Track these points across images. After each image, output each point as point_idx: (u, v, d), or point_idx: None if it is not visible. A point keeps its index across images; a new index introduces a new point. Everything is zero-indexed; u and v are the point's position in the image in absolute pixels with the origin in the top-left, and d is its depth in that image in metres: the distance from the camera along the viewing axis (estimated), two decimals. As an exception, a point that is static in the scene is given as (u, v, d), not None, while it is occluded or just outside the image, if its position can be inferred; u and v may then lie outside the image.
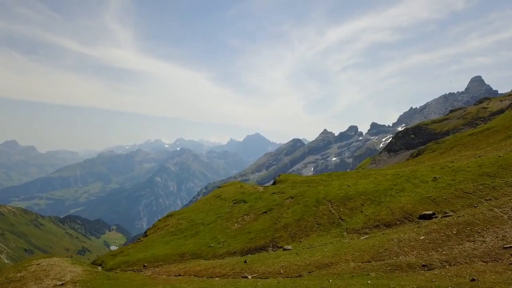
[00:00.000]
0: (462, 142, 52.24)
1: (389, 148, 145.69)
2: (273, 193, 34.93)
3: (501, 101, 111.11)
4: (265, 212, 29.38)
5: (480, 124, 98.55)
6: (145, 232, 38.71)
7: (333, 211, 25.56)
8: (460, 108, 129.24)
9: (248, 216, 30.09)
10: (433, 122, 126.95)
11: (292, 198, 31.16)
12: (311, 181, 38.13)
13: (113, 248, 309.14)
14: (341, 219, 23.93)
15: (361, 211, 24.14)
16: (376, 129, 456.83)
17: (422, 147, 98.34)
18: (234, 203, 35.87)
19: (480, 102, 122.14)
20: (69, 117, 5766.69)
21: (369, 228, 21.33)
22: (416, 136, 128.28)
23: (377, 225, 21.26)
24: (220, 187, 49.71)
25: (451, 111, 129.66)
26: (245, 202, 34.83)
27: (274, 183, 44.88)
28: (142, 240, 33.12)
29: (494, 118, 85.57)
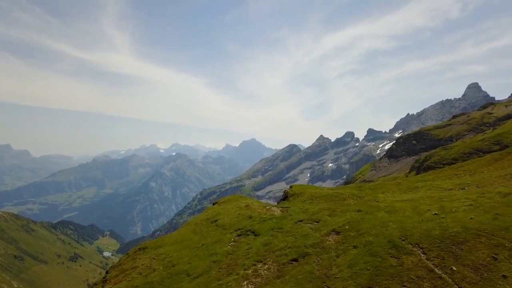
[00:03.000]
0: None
1: (389, 154, 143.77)
2: (300, 220, 22.62)
3: (506, 106, 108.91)
4: (295, 261, 17.21)
5: (486, 129, 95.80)
6: (106, 272, 27.89)
7: (437, 271, 13.58)
8: (463, 114, 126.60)
9: (265, 266, 17.57)
10: (436, 127, 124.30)
11: (338, 233, 19.10)
12: (337, 195, 28.86)
13: (106, 254, 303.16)
14: (466, 293, 12.37)
15: (503, 276, 12.56)
16: (372, 135, 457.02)
17: (427, 153, 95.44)
18: (239, 235, 23.71)
19: (484, 107, 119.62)
20: (63, 121, 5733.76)
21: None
22: (418, 142, 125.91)
23: None
24: (217, 203, 36.59)
25: (453, 117, 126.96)
26: (256, 235, 22.47)
27: (285, 197, 34.98)
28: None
29: (503, 124, 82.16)
